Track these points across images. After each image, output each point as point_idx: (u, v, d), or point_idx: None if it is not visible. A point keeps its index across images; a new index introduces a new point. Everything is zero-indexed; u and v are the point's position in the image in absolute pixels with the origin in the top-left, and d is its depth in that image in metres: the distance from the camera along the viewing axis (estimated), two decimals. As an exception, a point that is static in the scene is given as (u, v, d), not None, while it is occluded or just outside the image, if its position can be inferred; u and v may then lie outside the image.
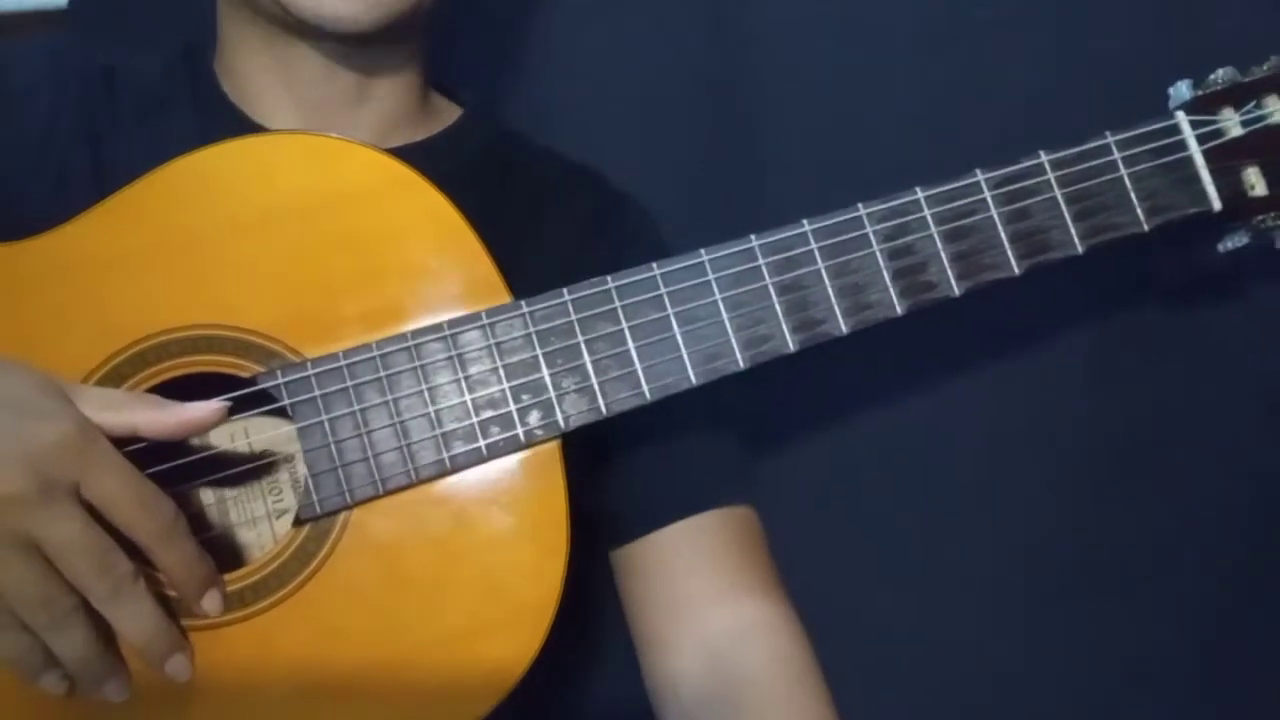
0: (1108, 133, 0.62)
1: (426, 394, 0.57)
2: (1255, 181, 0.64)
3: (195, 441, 0.59)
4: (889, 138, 0.85)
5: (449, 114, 0.77)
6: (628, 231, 0.74)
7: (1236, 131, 0.64)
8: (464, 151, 0.74)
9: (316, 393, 0.57)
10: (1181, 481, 0.87)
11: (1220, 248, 0.67)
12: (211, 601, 0.54)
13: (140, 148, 0.63)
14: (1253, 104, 0.64)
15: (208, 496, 0.60)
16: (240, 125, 0.69)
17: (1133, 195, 0.61)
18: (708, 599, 0.67)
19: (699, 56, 0.88)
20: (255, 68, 0.71)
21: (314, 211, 0.59)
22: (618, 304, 0.58)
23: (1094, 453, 0.88)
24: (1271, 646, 0.88)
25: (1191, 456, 0.87)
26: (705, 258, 0.59)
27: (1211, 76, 0.65)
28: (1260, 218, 0.64)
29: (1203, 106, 0.64)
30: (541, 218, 0.73)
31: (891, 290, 0.59)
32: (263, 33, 0.69)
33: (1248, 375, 0.87)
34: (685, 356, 0.58)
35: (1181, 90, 0.65)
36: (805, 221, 0.60)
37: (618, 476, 0.69)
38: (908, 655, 0.88)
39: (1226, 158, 0.63)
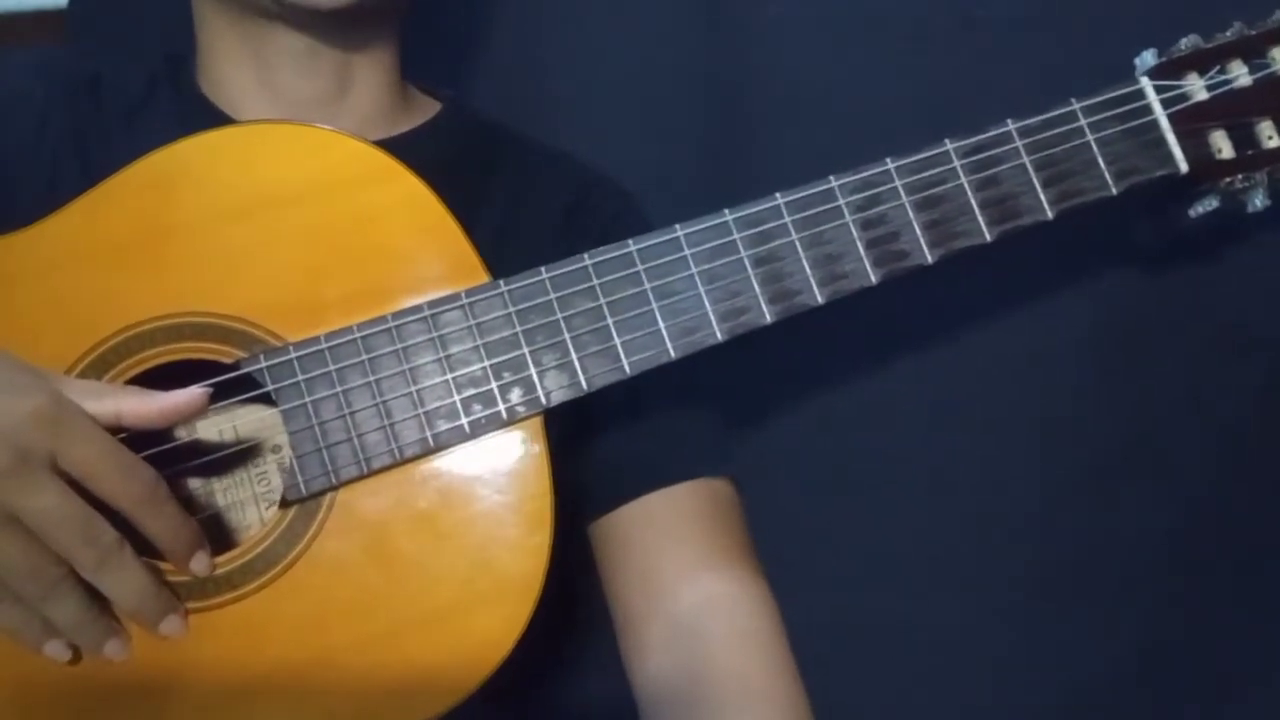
0: (1073, 100, 0.63)
1: (408, 374, 0.58)
2: (1222, 145, 0.65)
3: (181, 430, 0.60)
4: (888, 135, 0.85)
5: (429, 109, 0.78)
6: (610, 215, 0.75)
7: (1201, 96, 0.64)
8: (444, 143, 0.75)
9: (299, 376, 0.57)
10: (1179, 479, 0.87)
11: (1191, 213, 0.68)
12: (200, 563, 0.55)
13: (126, 149, 0.64)
14: (1216, 69, 0.65)
15: (194, 484, 0.61)
16: (222, 124, 0.70)
17: (1100, 160, 0.62)
18: (675, 571, 0.68)
19: (697, 53, 0.89)
20: (233, 67, 0.72)
21: (294, 199, 0.60)
22: (595, 281, 0.59)
23: (1091, 449, 0.88)
24: (1271, 646, 0.88)
25: (1190, 453, 0.87)
26: (680, 233, 0.60)
27: (1175, 45, 0.66)
28: (1228, 179, 0.65)
29: (1167, 72, 0.65)
30: (525, 205, 0.74)
31: (865, 260, 0.60)
32: (237, 28, 0.70)
33: (1245, 374, 0.87)
34: (663, 330, 0.59)
35: (1146, 58, 0.66)
36: (778, 194, 0.60)
37: (594, 451, 0.69)
38: (901, 652, 0.89)
39: (1192, 121, 0.64)
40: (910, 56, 0.87)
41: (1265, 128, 0.65)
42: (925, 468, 0.88)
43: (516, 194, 0.74)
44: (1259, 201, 0.66)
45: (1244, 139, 0.65)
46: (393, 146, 0.62)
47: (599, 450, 0.69)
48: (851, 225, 0.60)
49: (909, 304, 0.83)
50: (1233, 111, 0.64)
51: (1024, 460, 0.88)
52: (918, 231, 0.60)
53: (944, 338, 0.88)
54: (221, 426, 0.62)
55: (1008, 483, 0.88)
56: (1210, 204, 0.67)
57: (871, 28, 0.87)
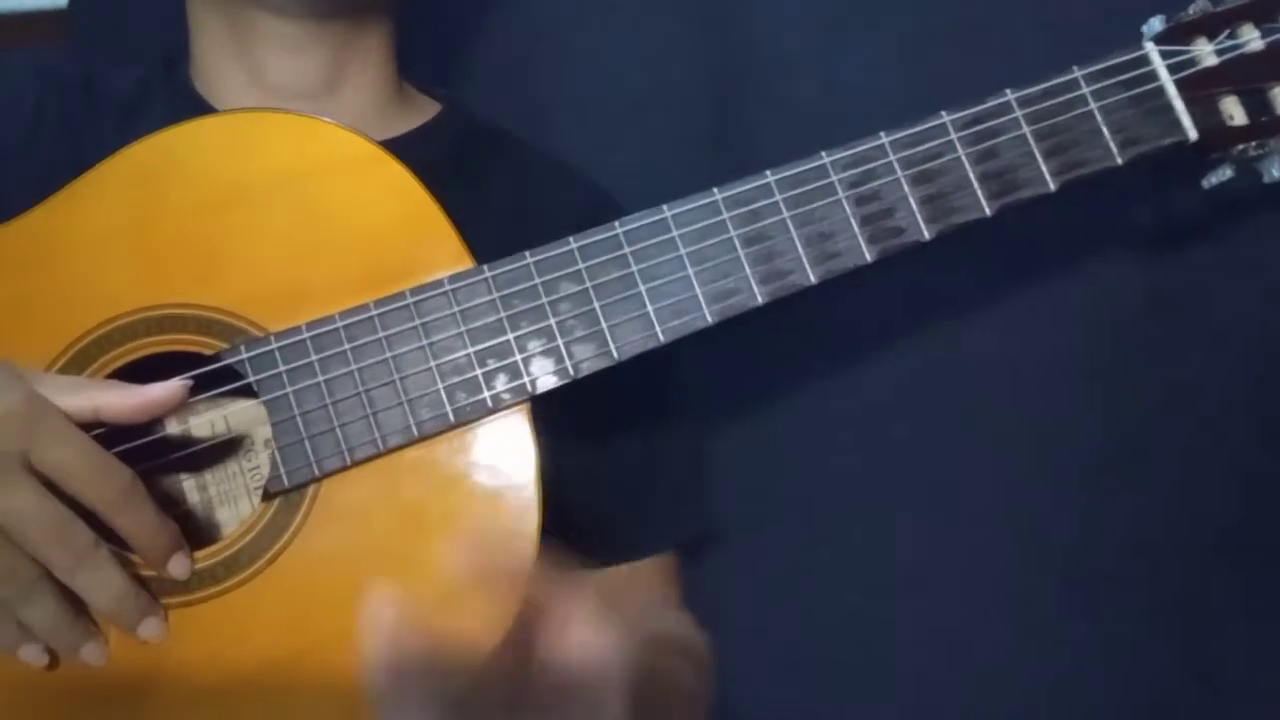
0: (1075, 67, 0.60)
1: (391, 362, 0.57)
2: (1234, 111, 0.62)
3: (172, 424, 0.59)
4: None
5: (428, 109, 0.77)
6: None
7: (1211, 61, 0.62)
8: (442, 145, 0.74)
9: (281, 367, 0.56)
10: (1177, 479, 0.85)
11: (1205, 183, 0.65)
12: (178, 565, 0.54)
13: (119, 148, 0.63)
14: (1226, 33, 0.63)
15: (185, 478, 0.60)
16: None
17: (1104, 129, 0.60)
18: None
19: (697, 54, 0.88)
20: (223, 61, 0.71)
21: (276, 188, 0.59)
22: (581, 264, 0.58)
23: (1089, 449, 0.86)
24: (1271, 646, 0.86)
25: (1188, 453, 0.85)
26: (668, 213, 0.58)
27: (1184, 10, 0.64)
28: (1241, 147, 0.62)
29: (1174, 37, 0.62)
30: (531, 218, 0.73)
31: (860, 237, 0.58)
32: (226, 18, 0.70)
33: (1244, 372, 0.85)
34: (652, 313, 0.57)
35: (1153, 24, 0.64)
36: (769, 172, 0.59)
37: (565, 515, 0.69)
38: (899, 652, 0.87)
39: (1201, 87, 0.61)
40: (911, 56, 0.85)
41: (1279, 93, 0.62)
42: (921, 468, 0.87)
43: (521, 204, 0.73)
44: (1276, 170, 0.64)
45: (1257, 105, 0.62)
46: (392, 147, 0.61)
47: (570, 515, 0.68)
48: (845, 202, 0.58)
49: (905, 303, 0.84)
50: (1244, 76, 0.62)
51: (1021, 460, 0.86)
52: (914, 207, 0.59)
53: (941, 338, 0.87)
54: (213, 419, 0.61)
55: (1005, 483, 0.87)
56: (1224, 174, 0.64)
57: (871, 27, 0.86)
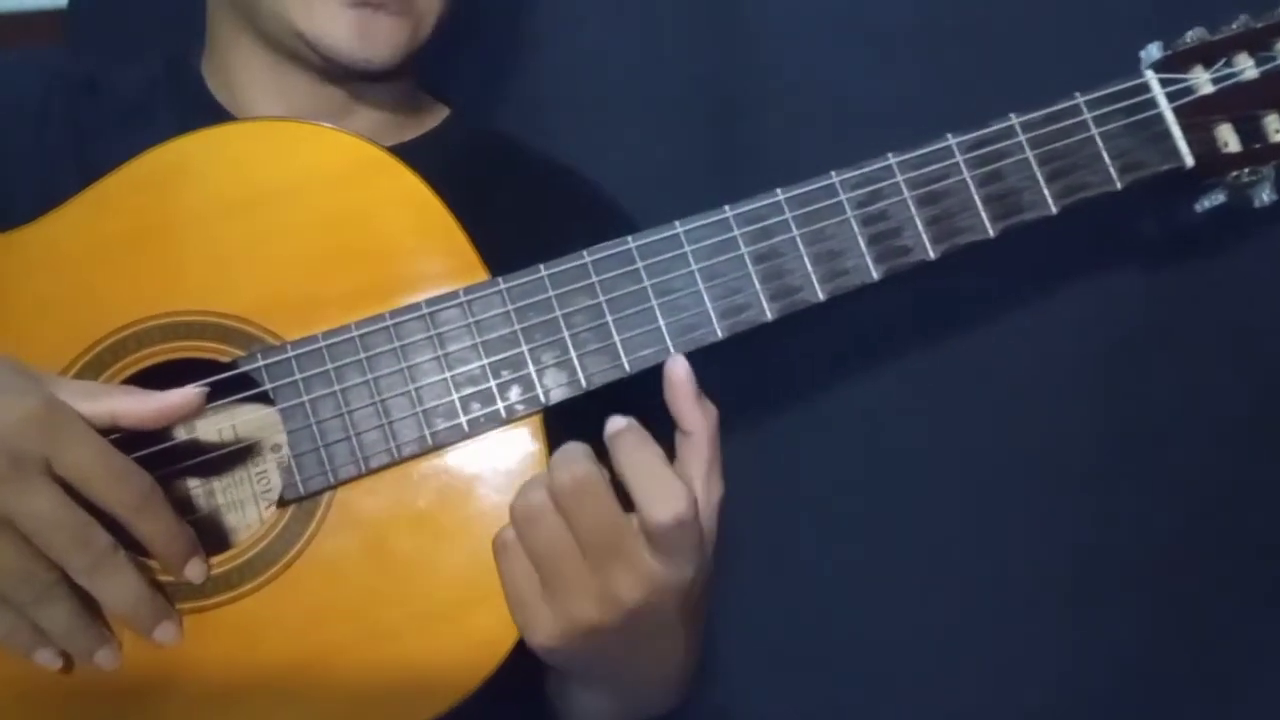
0: (1077, 93, 0.62)
1: (406, 372, 0.57)
2: (1228, 138, 0.64)
3: (180, 429, 0.60)
4: (893, 135, 0.84)
5: (436, 115, 0.77)
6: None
7: (1207, 89, 0.64)
8: (451, 150, 0.75)
9: (297, 375, 0.57)
10: (1179, 479, 0.87)
11: (1197, 207, 0.67)
12: (194, 569, 0.54)
13: (124, 149, 0.64)
14: (1222, 62, 0.64)
15: (194, 484, 0.61)
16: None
17: (1104, 154, 0.61)
18: None
19: (696, 54, 0.89)
20: (248, 79, 0.72)
21: (289, 196, 0.59)
22: (594, 278, 0.59)
23: (1092, 449, 0.87)
24: (1271, 646, 0.87)
25: (1190, 454, 0.87)
26: (680, 229, 0.59)
27: (1181, 38, 0.66)
28: (1235, 173, 0.64)
29: (1173, 65, 0.64)
30: (533, 217, 0.73)
31: (867, 256, 0.60)
32: (261, 51, 0.70)
33: (1246, 374, 0.86)
34: (663, 328, 0.58)
35: (1152, 51, 0.65)
36: (779, 190, 0.60)
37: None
38: (901, 652, 0.88)
39: (1197, 114, 0.63)
40: (914, 55, 0.86)
41: (1272, 121, 0.64)
42: (925, 467, 0.88)
43: (526, 209, 0.73)
44: (1266, 196, 0.65)
45: (1250, 132, 0.64)
46: (402, 153, 0.61)
47: None
48: (853, 221, 0.60)
49: (910, 306, 0.84)
50: (1239, 104, 0.64)
51: (1024, 460, 0.87)
52: (920, 227, 0.60)
53: (945, 338, 0.88)
54: (221, 426, 0.61)
55: (1008, 483, 0.87)
56: (1217, 198, 0.66)
57: (874, 26, 0.87)
